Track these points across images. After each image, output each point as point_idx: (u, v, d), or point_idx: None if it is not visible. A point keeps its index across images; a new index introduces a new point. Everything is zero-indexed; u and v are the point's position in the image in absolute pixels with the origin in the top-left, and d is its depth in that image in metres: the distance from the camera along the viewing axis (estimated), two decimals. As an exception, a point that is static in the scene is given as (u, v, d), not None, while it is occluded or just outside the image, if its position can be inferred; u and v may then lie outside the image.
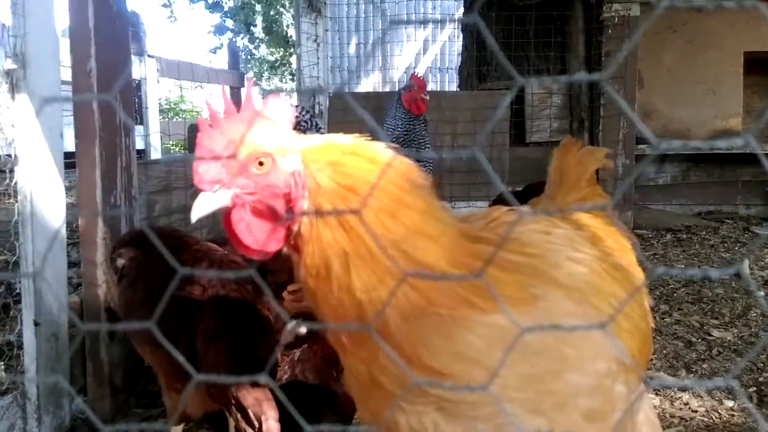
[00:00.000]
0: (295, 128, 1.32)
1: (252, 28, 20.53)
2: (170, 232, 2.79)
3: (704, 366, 3.59)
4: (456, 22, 12.64)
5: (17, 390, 2.84)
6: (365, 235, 1.18)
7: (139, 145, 7.52)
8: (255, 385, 2.04)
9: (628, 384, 1.35)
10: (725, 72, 7.70)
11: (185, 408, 2.36)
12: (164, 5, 21.23)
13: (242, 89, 9.22)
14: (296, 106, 4.26)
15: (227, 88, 8.55)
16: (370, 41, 14.02)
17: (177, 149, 13.05)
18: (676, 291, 4.90)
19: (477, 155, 0.71)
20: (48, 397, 2.86)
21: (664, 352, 3.77)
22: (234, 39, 20.59)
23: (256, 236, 1.27)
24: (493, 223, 1.44)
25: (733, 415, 3.02)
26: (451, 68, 12.58)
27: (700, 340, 3.97)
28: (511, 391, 1.20)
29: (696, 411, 3.08)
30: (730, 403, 3.12)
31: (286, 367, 2.29)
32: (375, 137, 1.26)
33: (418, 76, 5.38)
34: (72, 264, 4.31)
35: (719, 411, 3.06)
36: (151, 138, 7.76)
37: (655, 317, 1.71)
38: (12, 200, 2.85)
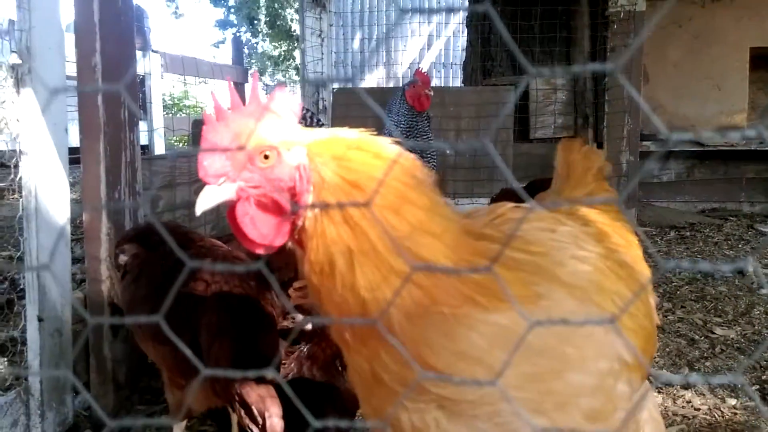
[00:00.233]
0: (299, 123, 1.31)
1: (255, 22, 20.51)
2: (174, 228, 2.79)
3: (707, 364, 3.58)
4: (462, 18, 12.61)
5: (21, 386, 2.85)
6: (370, 232, 1.17)
7: (143, 140, 7.52)
8: (259, 381, 2.04)
9: (631, 383, 1.34)
10: (731, 67, 7.68)
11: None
12: (170, 0, 21.22)
13: (246, 84, 9.22)
14: (301, 106, 4.25)
15: (232, 83, 8.54)
16: (375, 36, 14.00)
17: (181, 145, 13.06)
18: (680, 288, 4.89)
19: (488, 147, 0.71)
20: (51, 393, 2.87)
21: (667, 349, 3.77)
22: (238, 34, 20.59)
23: (261, 230, 1.27)
24: (498, 219, 1.43)
25: (735, 413, 3.01)
26: (456, 64, 12.57)
27: (703, 338, 3.96)
28: (512, 390, 1.20)
29: (698, 409, 3.07)
30: (732, 401, 3.12)
31: (293, 365, 2.28)
32: (381, 129, 1.26)
33: (423, 71, 5.36)
34: (76, 260, 4.32)
35: (722, 409, 3.06)
36: (155, 133, 7.76)
37: (658, 315, 1.70)
38: (16, 195, 2.85)
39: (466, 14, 10.30)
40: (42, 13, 2.76)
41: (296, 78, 20.59)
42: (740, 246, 6.30)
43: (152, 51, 8.07)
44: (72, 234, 3.19)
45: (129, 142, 3.17)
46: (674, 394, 3.20)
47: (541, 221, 1.44)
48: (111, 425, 0.91)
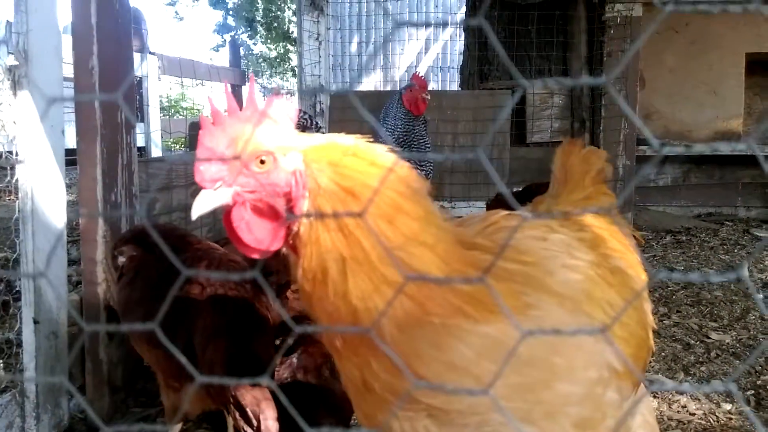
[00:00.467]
0: (296, 128, 1.32)
1: (253, 24, 20.50)
2: (171, 230, 2.79)
3: (702, 369, 3.59)
4: (458, 23, 12.64)
5: (16, 388, 2.84)
6: (364, 241, 1.17)
7: (140, 142, 7.52)
8: (254, 384, 2.04)
9: (621, 391, 1.34)
10: (727, 73, 7.70)
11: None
12: (169, 4, 21.20)
13: (244, 87, 9.22)
14: (299, 110, 4.26)
15: (229, 86, 8.55)
16: (372, 40, 14.02)
17: (178, 147, 13.05)
18: (675, 293, 4.90)
19: (480, 156, 0.71)
20: (47, 396, 2.86)
21: (663, 354, 3.77)
22: (236, 36, 20.58)
23: (256, 235, 1.27)
24: (491, 227, 1.43)
25: (731, 419, 3.02)
26: (453, 67, 12.58)
27: (698, 342, 3.97)
28: (501, 400, 1.20)
29: (694, 414, 3.08)
30: (728, 407, 3.12)
31: (286, 374, 2.29)
32: (376, 138, 1.26)
33: (420, 75, 5.37)
34: (72, 262, 4.31)
35: (717, 414, 3.06)
36: (152, 135, 7.75)
37: (654, 319, 1.70)
38: (13, 197, 2.85)
39: (463, 18, 10.32)
40: (40, 16, 2.76)
41: (293, 79, 20.59)
42: (736, 251, 6.31)
43: (150, 53, 8.07)
44: (68, 236, 3.18)
45: (126, 144, 3.17)
46: (669, 399, 3.21)
47: (533, 229, 1.44)
48: (106, 431, 0.91)
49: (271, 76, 23.68)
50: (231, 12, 20.70)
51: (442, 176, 6.94)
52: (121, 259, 2.69)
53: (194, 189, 1.20)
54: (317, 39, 7.03)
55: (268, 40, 21.80)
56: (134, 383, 3.28)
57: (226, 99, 1.31)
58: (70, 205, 3.26)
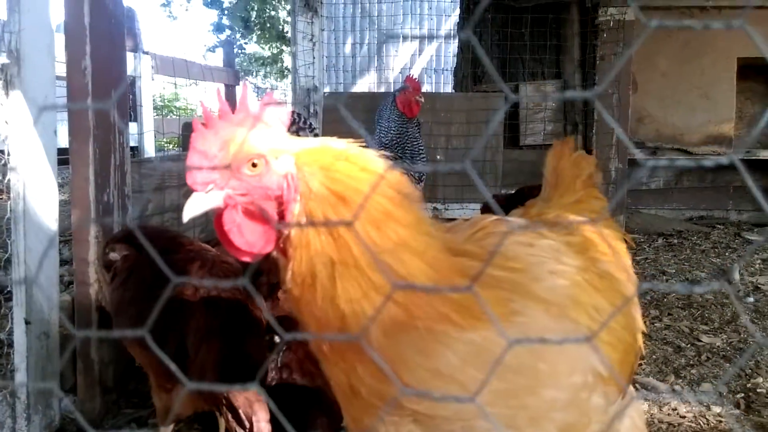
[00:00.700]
0: (289, 130, 1.32)
1: (248, 24, 20.46)
2: (162, 231, 2.79)
3: (693, 371, 3.61)
4: (453, 24, 12.66)
5: (6, 389, 2.83)
6: (353, 246, 1.18)
7: (133, 142, 7.49)
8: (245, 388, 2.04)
9: (607, 395, 1.35)
10: (719, 77, 7.74)
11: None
12: (163, 5, 21.12)
13: (237, 87, 9.21)
14: (292, 111, 4.27)
15: (222, 87, 8.54)
16: (366, 41, 14.03)
17: (171, 147, 13.02)
18: (666, 296, 4.92)
19: (467, 168, 0.72)
20: (38, 396, 2.85)
21: (654, 357, 3.79)
22: (232, 36, 20.54)
23: (247, 238, 1.27)
24: (480, 233, 1.43)
25: (720, 421, 3.04)
26: (447, 69, 12.61)
27: (689, 345, 3.99)
28: (486, 406, 1.21)
29: (684, 417, 3.09)
30: (717, 409, 3.14)
31: (273, 374, 2.29)
32: (372, 136, 1.27)
33: (413, 78, 5.38)
34: (63, 262, 4.30)
35: (707, 417, 3.08)
36: (145, 135, 7.73)
37: (645, 322, 1.71)
38: (4, 197, 2.84)
39: (457, 20, 10.34)
40: (32, 16, 2.75)
41: (287, 80, 20.54)
42: (727, 254, 6.34)
43: (143, 52, 8.04)
44: (60, 236, 3.17)
45: (118, 144, 3.16)
46: (660, 402, 3.22)
47: (521, 235, 1.45)
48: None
49: (265, 76, 23.64)
50: (226, 12, 20.65)
51: (435, 179, 6.95)
52: (113, 255, 2.67)
53: (186, 190, 1.20)
54: (311, 40, 7.03)
55: (262, 41, 21.77)
56: (126, 384, 3.27)
57: (219, 101, 1.31)
58: (63, 205, 3.26)
